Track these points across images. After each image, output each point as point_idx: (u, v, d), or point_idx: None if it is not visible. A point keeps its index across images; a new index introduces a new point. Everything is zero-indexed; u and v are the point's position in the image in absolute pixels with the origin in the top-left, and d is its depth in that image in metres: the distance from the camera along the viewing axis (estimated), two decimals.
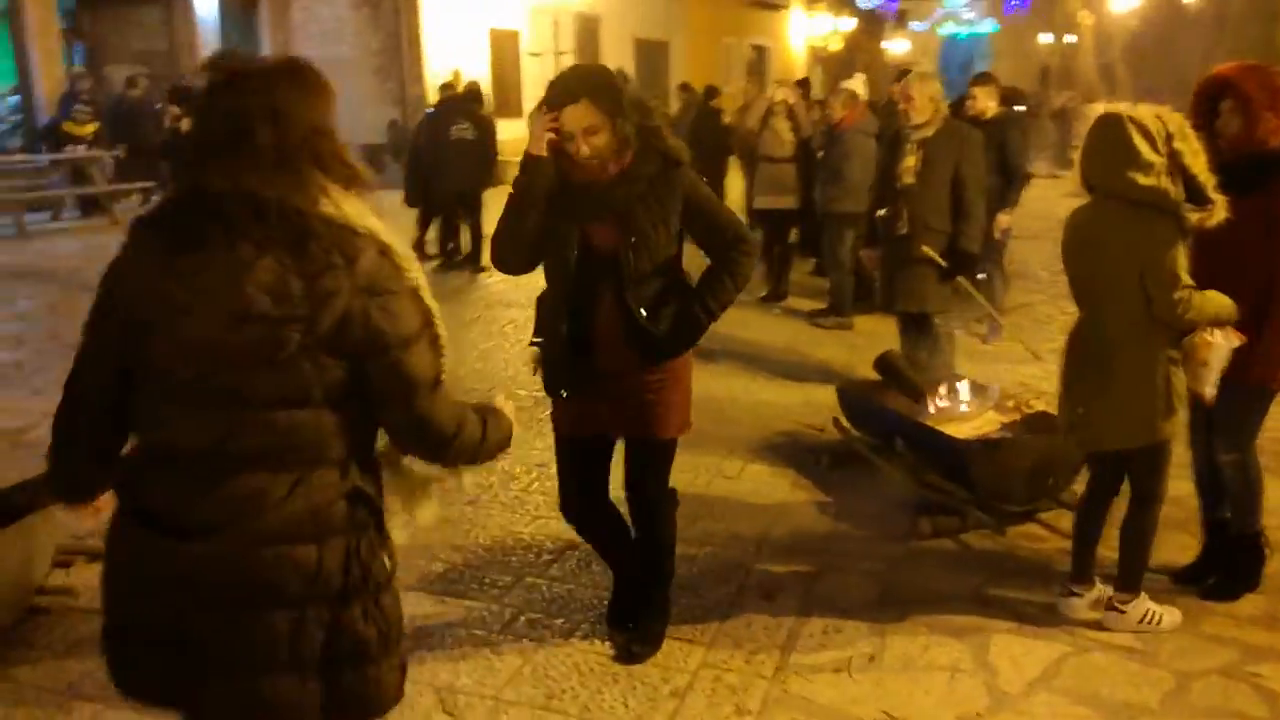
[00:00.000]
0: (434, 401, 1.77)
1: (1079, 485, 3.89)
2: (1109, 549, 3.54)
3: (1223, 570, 3.67)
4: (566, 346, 3.01)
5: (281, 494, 1.66)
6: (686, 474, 4.76)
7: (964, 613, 3.60)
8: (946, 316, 5.74)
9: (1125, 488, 3.47)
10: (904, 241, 5.40)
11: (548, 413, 3.47)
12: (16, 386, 6.26)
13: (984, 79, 7.40)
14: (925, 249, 5.31)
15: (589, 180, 2.88)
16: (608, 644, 3.40)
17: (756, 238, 8.72)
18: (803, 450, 5.18)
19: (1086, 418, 3.37)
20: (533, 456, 4.84)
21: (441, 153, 9.84)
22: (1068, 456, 4.08)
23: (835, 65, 25.79)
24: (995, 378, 5.41)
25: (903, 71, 8.27)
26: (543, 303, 3.11)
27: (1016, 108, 8.86)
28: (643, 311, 2.93)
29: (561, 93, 2.81)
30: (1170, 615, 3.45)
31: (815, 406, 5.72)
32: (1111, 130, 3.12)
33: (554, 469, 3.33)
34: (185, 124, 9.96)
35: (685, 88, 14.01)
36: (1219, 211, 3.11)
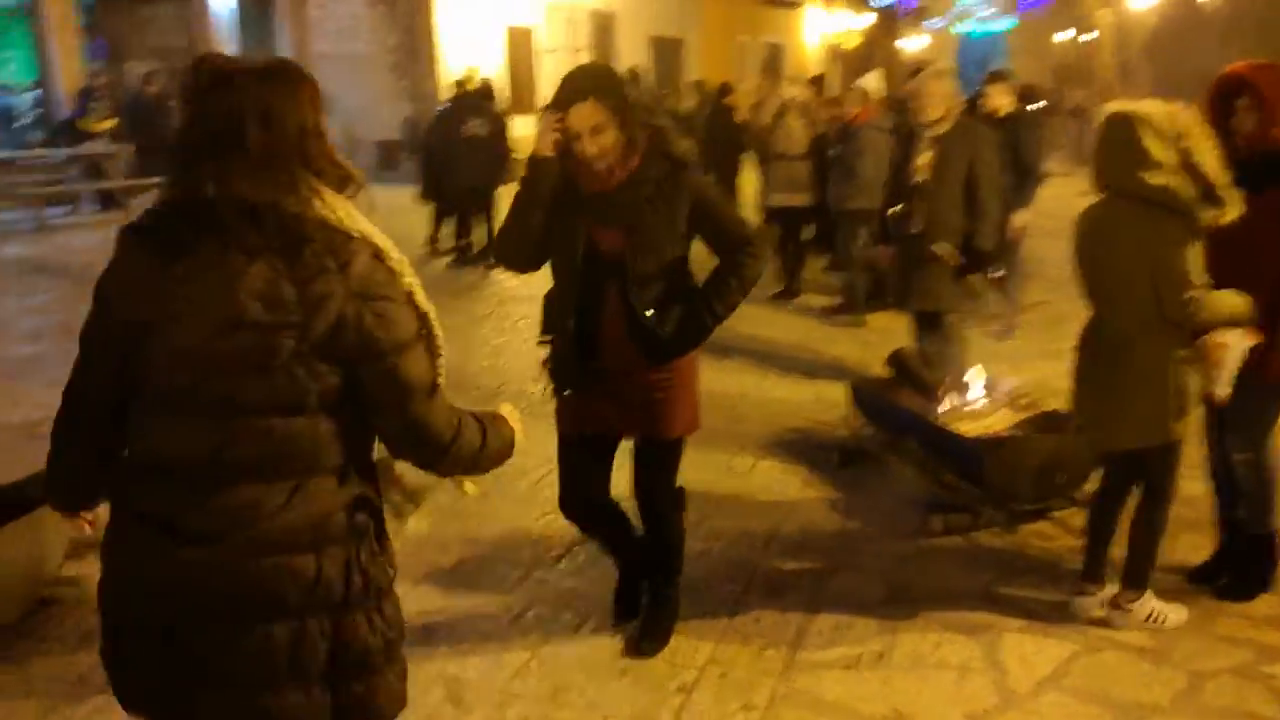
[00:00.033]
0: (430, 407, 1.74)
1: (1092, 483, 3.87)
2: (1122, 548, 3.51)
3: (1237, 570, 3.64)
4: (572, 345, 3.01)
5: (279, 502, 1.64)
6: (697, 470, 4.73)
7: (974, 610, 3.58)
8: (960, 314, 5.71)
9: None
10: (917, 239, 5.36)
11: None
12: (33, 379, 6.30)
13: (998, 76, 7.38)
14: (939, 247, 5.28)
15: (597, 187, 2.89)
16: (616, 638, 3.40)
17: (774, 233, 8.80)
18: (814, 447, 5.17)
19: (1098, 417, 3.35)
20: (545, 452, 4.77)
21: (454, 150, 9.86)
22: (1080, 455, 4.05)
23: (851, 63, 25.72)
24: (1010, 375, 5.37)
25: (917, 68, 8.24)
26: (550, 301, 3.11)
27: (1032, 105, 8.82)
28: (648, 313, 2.92)
29: (568, 92, 2.81)
30: (1176, 614, 3.43)
31: (827, 403, 5.71)
32: (1121, 129, 3.10)
33: None
34: None
35: (699, 85, 13.99)
36: (1233, 209, 3.07)
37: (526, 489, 4.52)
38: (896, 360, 5.05)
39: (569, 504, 3.26)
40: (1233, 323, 3.16)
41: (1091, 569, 3.54)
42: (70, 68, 14.07)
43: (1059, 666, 3.25)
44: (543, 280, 3.22)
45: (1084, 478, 4.18)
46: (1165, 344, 3.18)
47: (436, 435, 1.76)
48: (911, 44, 30.02)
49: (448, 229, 10.51)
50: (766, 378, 6.51)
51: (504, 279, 9.44)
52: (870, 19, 28.41)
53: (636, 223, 2.87)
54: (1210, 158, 3.05)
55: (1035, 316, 7.47)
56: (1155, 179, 3.03)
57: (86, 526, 1.92)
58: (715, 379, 6.33)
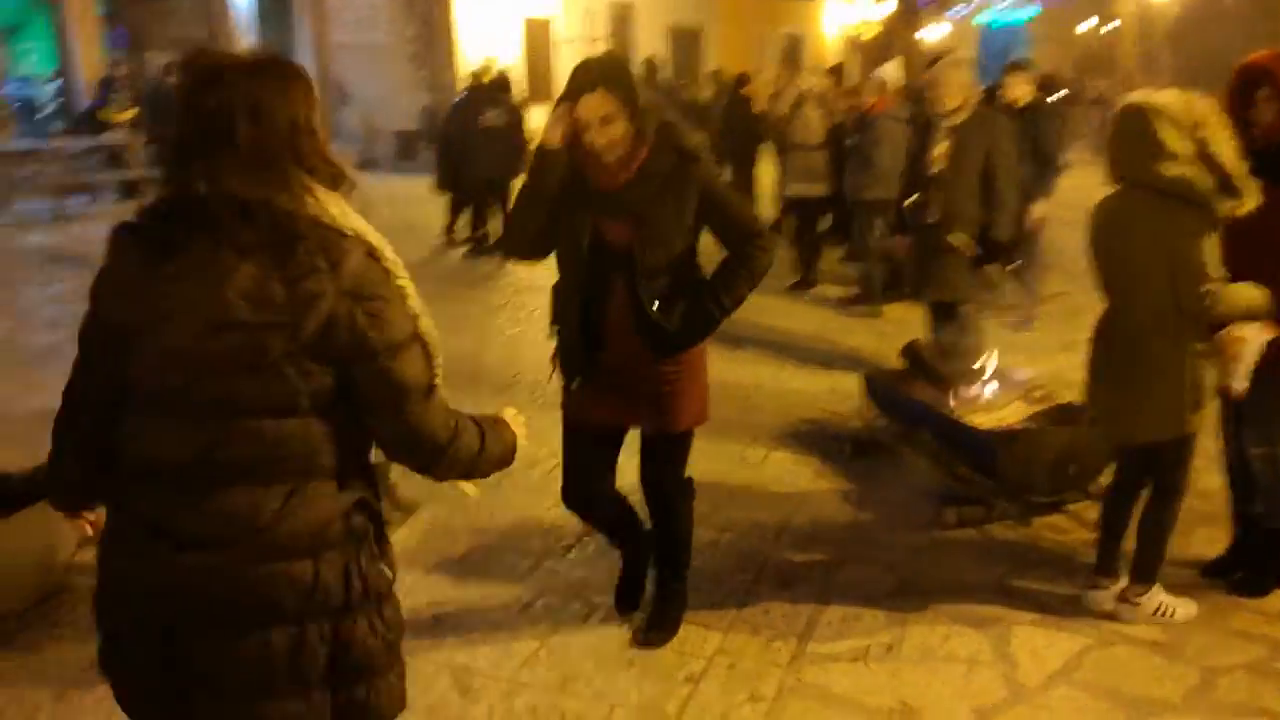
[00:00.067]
0: (425, 409, 1.71)
1: (1107, 476, 3.83)
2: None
3: (1251, 565, 3.60)
4: (579, 337, 3.00)
5: (275, 508, 1.61)
6: (709, 461, 4.73)
7: (985, 603, 3.56)
8: (977, 305, 5.67)
9: None
10: (933, 229, 5.33)
11: None
12: (52, 367, 6.33)
13: (1018, 66, 7.30)
14: (955, 237, 5.24)
15: (605, 179, 2.87)
16: (624, 629, 3.40)
17: (790, 224, 8.75)
18: (827, 438, 5.15)
19: (1113, 410, 3.32)
20: (556, 442, 4.77)
21: (471, 140, 9.86)
22: (1094, 447, 4.02)
23: (870, 53, 25.54)
24: (1026, 367, 5.33)
25: (935, 57, 8.17)
26: (557, 293, 3.10)
27: (1054, 95, 8.74)
28: (655, 305, 2.91)
29: (578, 82, 2.79)
30: (1185, 608, 3.40)
31: (842, 394, 5.68)
32: (1136, 120, 3.06)
33: None
34: None
35: (716, 75, 13.94)
36: (1250, 200, 3.03)
37: (538, 479, 4.52)
38: (911, 351, 5.02)
39: (571, 495, 3.25)
40: (1250, 316, 3.12)
41: (1105, 563, 3.51)
42: (91, 58, 14.17)
43: (1070, 660, 3.23)
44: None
45: (1099, 471, 4.14)
46: (1181, 337, 3.14)
47: (432, 438, 1.73)
48: (932, 34, 29.77)
49: (464, 219, 10.51)
50: (782, 368, 6.49)
51: (520, 269, 9.44)
52: (890, 8, 28.17)
53: (644, 215, 2.85)
54: (1227, 148, 3.00)
55: (1054, 308, 7.41)
56: (1171, 170, 2.99)
57: (88, 527, 1.91)
58: (730, 369, 6.32)
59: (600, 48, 17.49)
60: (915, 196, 5.49)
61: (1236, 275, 3.07)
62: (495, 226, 10.28)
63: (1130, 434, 3.33)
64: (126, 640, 1.69)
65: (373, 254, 1.64)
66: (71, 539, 3.58)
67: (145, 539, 1.64)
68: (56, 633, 3.34)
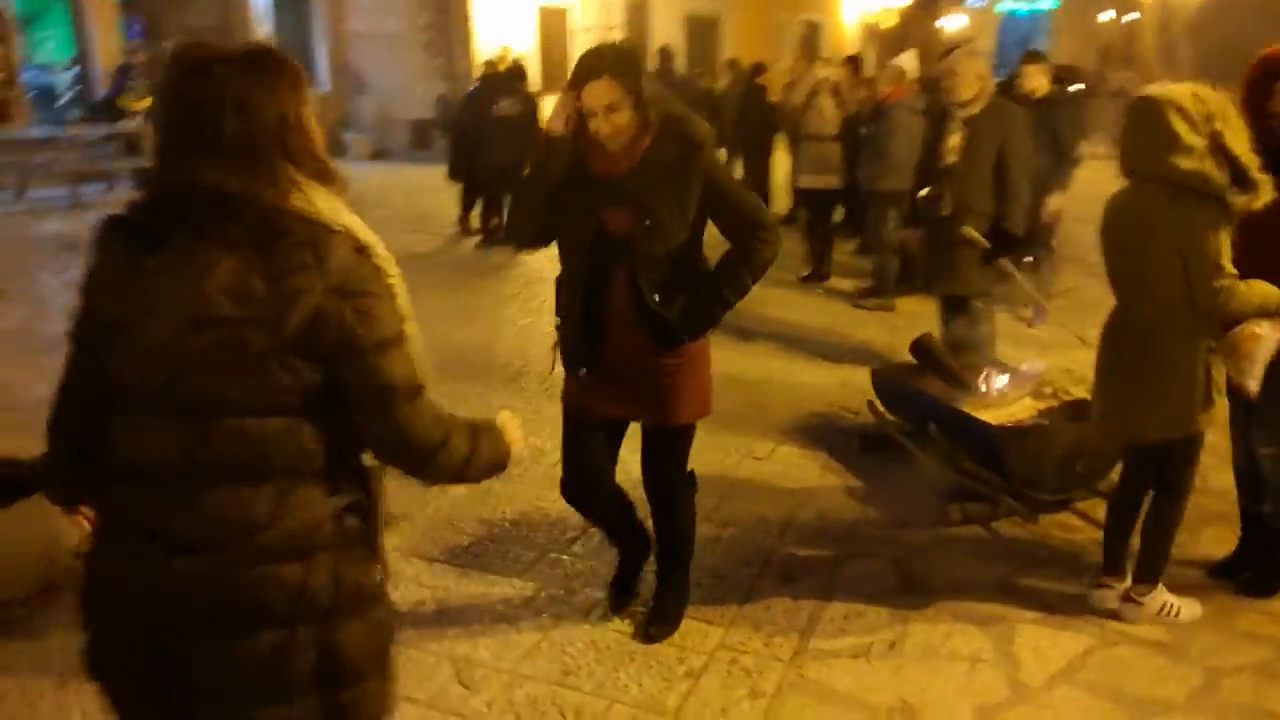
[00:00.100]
0: (413, 410, 1.67)
1: (1116, 474, 3.80)
2: None
3: (1259, 565, 3.57)
4: (580, 326, 2.99)
5: (265, 510, 1.59)
6: (716, 454, 4.74)
7: (990, 602, 3.54)
8: (989, 300, 5.63)
9: None
10: (946, 222, 5.28)
11: None
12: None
13: (1035, 57, 7.24)
14: (967, 230, 5.20)
15: (607, 167, 2.85)
16: (627, 622, 3.40)
17: (802, 216, 8.68)
18: (835, 433, 5.13)
19: (1121, 407, 3.29)
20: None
21: (485, 129, 9.85)
22: (1103, 445, 3.99)
23: (888, 42, 25.38)
24: (1040, 362, 5.29)
25: (950, 47, 8.11)
26: (560, 283, 3.08)
27: (1073, 87, 8.65)
28: (655, 296, 2.89)
29: (584, 70, 2.77)
30: (1190, 608, 3.38)
31: (852, 388, 5.66)
32: (1149, 113, 3.02)
33: None
34: None
35: (732, 64, 13.87)
36: (1264, 193, 2.99)
37: (544, 471, 4.52)
38: (921, 346, 4.99)
39: (570, 488, 3.23)
40: (1263, 313, 3.08)
41: (1111, 562, 3.49)
42: (108, 46, 14.22)
43: (1073, 660, 3.21)
44: None
45: (1107, 468, 4.11)
46: (1193, 334, 3.11)
47: (421, 440, 1.69)
48: (952, 23, 29.55)
49: (478, 210, 10.51)
50: (791, 362, 6.46)
51: (532, 260, 9.42)
52: None
53: (645, 204, 2.83)
54: (1240, 141, 2.96)
55: (1068, 302, 7.35)
56: (1185, 163, 2.95)
57: (85, 523, 1.89)
58: (739, 362, 6.31)
59: (616, 36, 17.44)
60: (928, 188, 5.46)
61: (1248, 272, 3.03)
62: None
63: (1138, 432, 3.30)
64: (114, 643, 1.68)
65: (362, 250, 1.61)
66: (74, 531, 3.61)
67: (134, 541, 1.62)
68: (60, 620, 3.35)
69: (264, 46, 1.67)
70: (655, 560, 3.41)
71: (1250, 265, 3.04)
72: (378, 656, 1.75)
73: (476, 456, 1.78)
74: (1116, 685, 3.09)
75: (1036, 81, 6.90)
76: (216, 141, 1.54)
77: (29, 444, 3.51)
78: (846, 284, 8.49)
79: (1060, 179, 6.88)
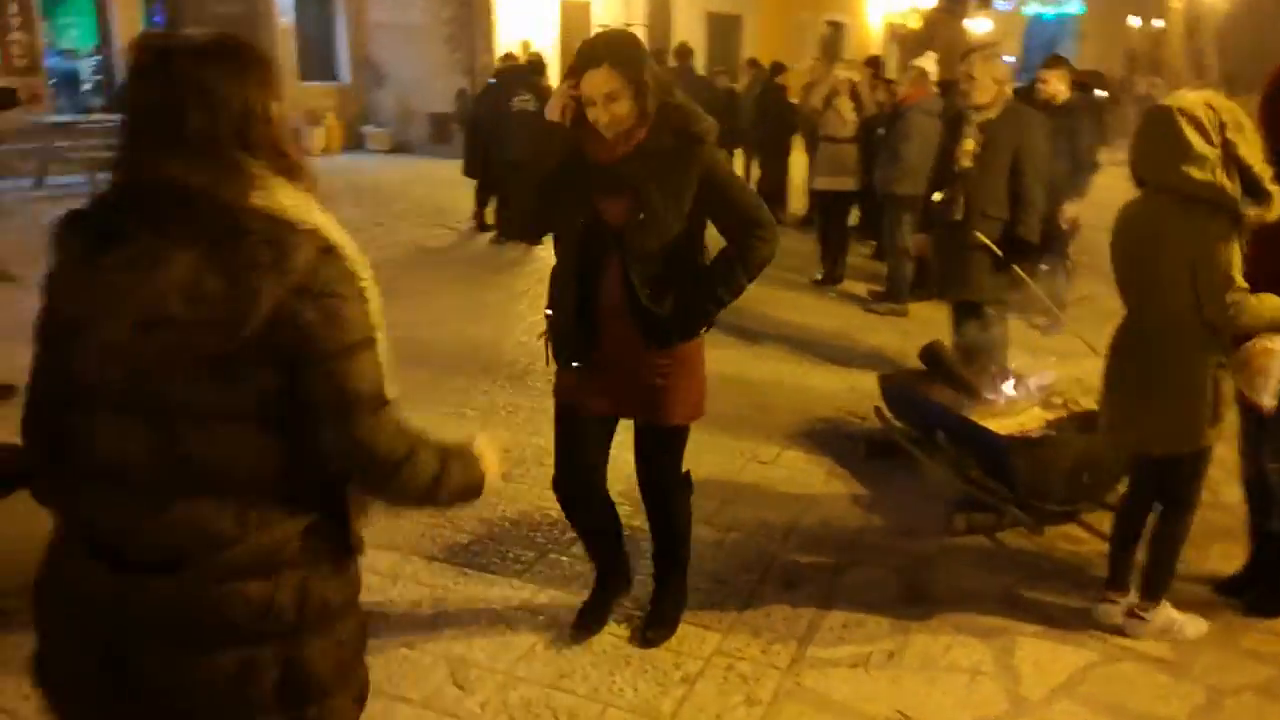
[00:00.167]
0: (376, 422, 1.57)
1: (1124, 486, 3.76)
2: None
3: (1266, 582, 3.52)
4: (572, 317, 2.94)
5: (228, 523, 1.53)
6: (720, 456, 4.72)
7: (992, 613, 3.51)
8: (1003, 307, 5.58)
9: None
10: (958, 227, 5.24)
11: None
12: None
13: (1056, 62, 7.16)
14: (979, 236, 5.16)
15: (604, 156, 2.80)
16: (624, 626, 3.37)
17: (817, 218, 8.62)
18: (842, 438, 5.09)
19: (1128, 419, 3.25)
20: None
21: (503, 124, 9.83)
22: (1111, 457, 3.94)
23: (913, 44, 25.25)
24: (1051, 372, 5.24)
25: (969, 50, 8.05)
26: (554, 275, 3.04)
27: (1097, 93, 8.57)
28: (646, 291, 2.84)
29: (585, 58, 2.72)
30: (1195, 625, 3.33)
31: (860, 394, 5.62)
32: (1161, 123, 2.98)
33: None
34: None
35: (753, 63, 13.82)
36: (1278, 205, 2.95)
37: (547, 471, 4.47)
38: (930, 352, 4.95)
39: (562, 483, 3.18)
40: (1274, 328, 3.03)
41: (1116, 576, 3.45)
42: (131, 33, 14.23)
43: (1074, 675, 3.18)
44: None
45: (1115, 481, 4.07)
46: (1202, 347, 3.07)
47: (383, 455, 1.58)
48: (977, 26, 29.38)
49: (493, 205, 10.50)
50: (800, 365, 6.43)
51: (545, 257, 9.41)
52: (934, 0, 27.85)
53: (638, 194, 2.78)
54: (1254, 151, 2.92)
55: (1083, 311, 7.26)
56: (1198, 173, 2.91)
57: None
58: (747, 365, 6.28)
59: (638, 32, 17.39)
60: (941, 192, 5.41)
61: (1260, 284, 2.99)
62: None
63: (1145, 445, 3.26)
64: (67, 654, 1.62)
65: (329, 250, 1.53)
66: None
67: (92, 551, 1.57)
68: None
69: (230, 37, 1.59)
70: (653, 563, 3.39)
71: (1262, 278, 2.99)
72: (343, 672, 1.69)
73: (446, 478, 1.68)
74: (1117, 701, 3.05)
75: (1056, 87, 6.83)
76: (177, 135, 1.48)
77: None
78: (860, 288, 8.45)
79: (1078, 186, 6.81)
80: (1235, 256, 2.94)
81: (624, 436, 3.16)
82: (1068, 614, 3.50)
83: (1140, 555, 3.41)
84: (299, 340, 1.49)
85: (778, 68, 11.39)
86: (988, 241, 5.15)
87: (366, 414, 1.56)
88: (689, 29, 19.69)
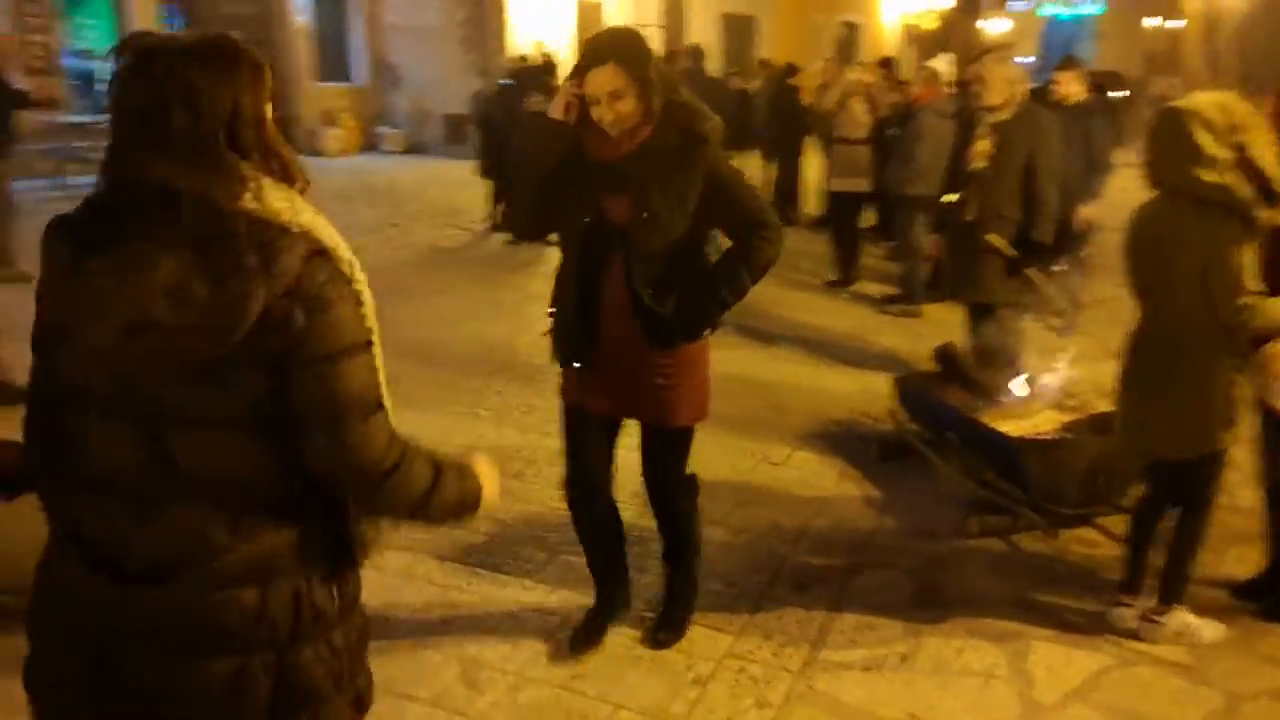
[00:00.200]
0: (366, 430, 1.53)
1: (1139, 490, 3.73)
2: (1164, 558, 3.38)
3: None
4: (575, 315, 2.92)
5: (220, 531, 1.51)
6: (732, 458, 4.71)
7: (1005, 617, 3.48)
8: (1016, 308, 5.55)
9: None
10: (970, 228, 5.22)
11: None
12: None
13: (1070, 63, 7.13)
14: (992, 238, 5.13)
15: (607, 154, 2.78)
16: (634, 627, 3.36)
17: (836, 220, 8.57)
18: (854, 440, 5.08)
19: (1142, 422, 3.23)
20: None
21: (516, 125, 9.83)
22: (1126, 460, 3.91)
23: (927, 45, 25.15)
24: (1065, 374, 5.21)
25: (982, 50, 8.02)
26: (559, 274, 3.03)
27: (1112, 94, 8.52)
28: (649, 291, 2.82)
29: (589, 55, 2.71)
30: (1212, 630, 3.30)
31: (873, 395, 5.60)
32: (1173, 125, 2.96)
33: None
34: None
35: (765, 64, 13.80)
36: None
37: (558, 473, 4.48)
38: (944, 354, 4.93)
39: (573, 482, 3.16)
40: None
41: (1130, 579, 3.42)
42: None
43: (1088, 679, 3.15)
44: None
45: (1130, 484, 4.03)
46: (1215, 349, 3.05)
47: (371, 463, 1.54)
48: (994, 26, 29.24)
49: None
50: (813, 367, 6.41)
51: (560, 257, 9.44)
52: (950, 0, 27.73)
53: (642, 194, 2.75)
54: (1267, 154, 2.89)
55: (1099, 313, 7.23)
56: (1210, 176, 2.89)
57: None
58: (760, 366, 6.27)
59: (653, 33, 17.40)
60: (953, 194, 5.38)
61: (1275, 287, 2.96)
62: None
63: (1158, 448, 3.23)
64: (56, 661, 1.60)
65: (321, 252, 1.50)
66: None
67: (83, 557, 1.55)
68: None
69: (220, 36, 1.56)
70: (663, 565, 3.38)
71: (1276, 281, 2.96)
72: (338, 680, 1.66)
73: (440, 491, 1.64)
74: (1131, 706, 3.03)
75: (1070, 88, 6.79)
76: (162, 136, 1.45)
77: None
78: (874, 289, 8.43)
79: (1093, 187, 6.77)
80: (1248, 259, 2.92)
81: (636, 439, 3.16)
82: (1082, 618, 3.47)
83: (1156, 559, 3.39)
84: (289, 344, 1.46)
85: (790, 69, 11.38)
86: (1000, 244, 5.13)
87: (357, 420, 1.53)
88: (703, 30, 19.69)
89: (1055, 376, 4.74)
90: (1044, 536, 4.03)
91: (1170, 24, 27.47)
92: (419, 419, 5.23)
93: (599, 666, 3.18)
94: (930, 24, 26.92)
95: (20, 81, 8.92)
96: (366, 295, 1.58)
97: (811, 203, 11.34)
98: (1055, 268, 6.25)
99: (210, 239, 1.43)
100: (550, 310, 3.05)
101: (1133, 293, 3.25)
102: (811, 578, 3.74)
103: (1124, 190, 7.07)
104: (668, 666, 3.19)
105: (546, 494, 4.31)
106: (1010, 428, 4.30)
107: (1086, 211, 6.73)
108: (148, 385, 1.46)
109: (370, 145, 17.69)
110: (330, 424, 1.50)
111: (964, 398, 4.65)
